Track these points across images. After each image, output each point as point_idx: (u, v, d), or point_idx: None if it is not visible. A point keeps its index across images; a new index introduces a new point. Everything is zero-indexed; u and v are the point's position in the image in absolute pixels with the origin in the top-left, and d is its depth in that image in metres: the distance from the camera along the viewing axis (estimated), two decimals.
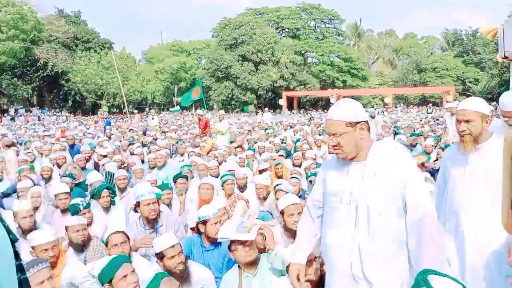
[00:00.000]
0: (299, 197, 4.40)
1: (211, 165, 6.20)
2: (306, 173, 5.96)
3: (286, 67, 43.85)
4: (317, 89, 44.71)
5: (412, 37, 59.25)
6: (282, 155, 7.53)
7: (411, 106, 39.67)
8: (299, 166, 6.73)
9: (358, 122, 1.99)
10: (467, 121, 2.46)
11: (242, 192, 5.39)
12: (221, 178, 5.20)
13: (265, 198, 4.94)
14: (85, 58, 40.82)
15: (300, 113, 34.71)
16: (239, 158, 7.51)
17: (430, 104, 33.58)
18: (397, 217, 1.98)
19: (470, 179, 2.50)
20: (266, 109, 26.39)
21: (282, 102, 38.91)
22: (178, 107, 21.91)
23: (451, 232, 2.58)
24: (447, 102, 17.80)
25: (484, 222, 2.43)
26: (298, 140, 10.05)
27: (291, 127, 14.11)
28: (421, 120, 18.07)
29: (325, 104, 43.19)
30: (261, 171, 6.36)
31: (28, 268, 2.35)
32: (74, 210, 4.04)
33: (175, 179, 5.22)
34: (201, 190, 4.63)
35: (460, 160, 2.57)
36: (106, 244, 3.07)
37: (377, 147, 2.03)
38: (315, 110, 38.81)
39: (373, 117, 12.41)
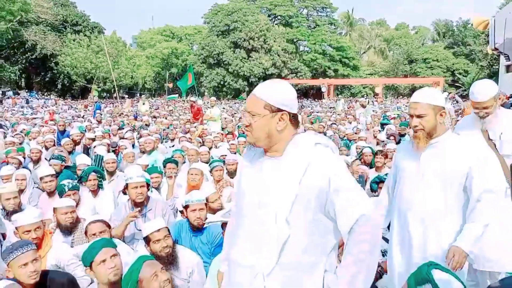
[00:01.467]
0: None
1: (201, 151, 6.19)
2: None
3: (278, 55, 43.64)
4: (309, 78, 44.67)
5: (403, 28, 59.29)
6: None
7: (401, 96, 39.89)
8: None
9: (280, 110, 1.64)
10: (419, 116, 2.27)
11: (233, 178, 5.40)
12: (209, 164, 5.20)
13: None
14: (75, 42, 40.08)
15: None
16: (231, 144, 7.51)
17: None
18: (314, 228, 1.61)
19: (421, 177, 2.33)
20: None
21: None
22: (176, 95, 21.67)
23: (398, 231, 2.44)
24: None
25: (433, 223, 2.28)
26: None
27: None
28: None
29: (316, 93, 43.23)
30: None
31: (13, 250, 2.33)
32: (60, 191, 4.03)
33: (164, 163, 5.20)
34: (189, 175, 4.63)
35: (412, 156, 2.40)
36: (86, 233, 3.05)
37: (296, 142, 1.66)
38: (306, 99, 38.81)
39: (364, 107, 12.48)
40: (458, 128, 3.09)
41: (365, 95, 38.18)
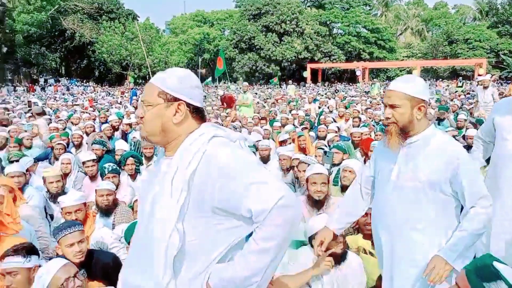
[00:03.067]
0: None
1: None
2: (329, 145, 5.93)
3: (311, 38, 42.84)
4: (343, 61, 43.68)
5: (443, 7, 56.48)
6: (306, 128, 7.50)
7: (441, 79, 38.32)
8: (324, 138, 6.69)
9: (176, 99, 1.42)
10: (392, 106, 1.95)
11: (266, 163, 5.43)
12: None
13: (288, 170, 4.96)
14: (110, 29, 41.04)
15: (324, 85, 34.14)
16: (264, 129, 7.52)
17: (461, 78, 32.32)
18: (212, 231, 1.39)
19: (394, 183, 2.02)
20: (290, 81, 26.07)
21: (307, 74, 38.32)
22: (209, 79, 21.78)
23: (376, 242, 2.22)
24: (479, 75, 17.07)
25: (405, 236, 1.99)
26: (321, 113, 9.95)
27: (315, 100, 13.93)
28: (450, 94, 17.49)
29: (351, 77, 42.28)
30: (281, 143, 6.38)
31: (62, 229, 2.46)
32: (101, 173, 4.22)
33: None
34: None
35: (387, 157, 2.07)
36: (132, 208, 3.18)
37: (192, 138, 1.41)
38: (340, 83, 38.07)
39: None
40: (495, 110, 2.97)
41: None
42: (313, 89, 26.17)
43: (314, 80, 39.18)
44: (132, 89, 20.14)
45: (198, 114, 1.49)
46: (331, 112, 11.02)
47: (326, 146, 5.83)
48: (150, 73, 21.17)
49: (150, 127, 1.45)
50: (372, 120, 8.80)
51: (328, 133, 6.82)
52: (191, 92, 1.46)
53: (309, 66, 39.39)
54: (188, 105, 1.45)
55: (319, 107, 12.21)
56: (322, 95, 17.99)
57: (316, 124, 8.56)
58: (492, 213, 1.96)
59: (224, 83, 28.91)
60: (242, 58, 43.93)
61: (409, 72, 42.72)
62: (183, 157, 1.38)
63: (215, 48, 49.62)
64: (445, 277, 1.87)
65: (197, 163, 1.35)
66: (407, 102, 1.93)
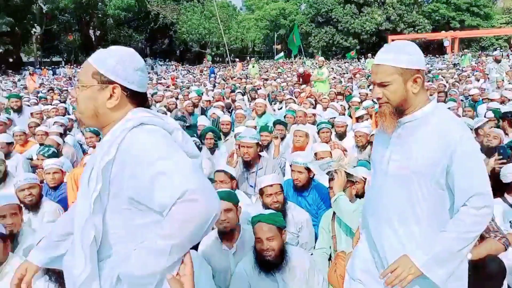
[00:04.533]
0: None
1: (308, 112, 6.22)
2: None
3: (393, 8, 40.15)
4: (429, 32, 40.39)
5: None
6: None
7: None
8: None
9: (112, 82, 1.31)
10: (381, 85, 1.64)
11: (341, 140, 5.35)
12: (317, 125, 5.22)
13: (364, 147, 4.84)
14: (190, 9, 42.46)
15: None
16: (340, 105, 7.37)
17: None
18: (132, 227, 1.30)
19: (385, 171, 1.74)
20: (370, 55, 24.88)
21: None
22: (282, 54, 21.70)
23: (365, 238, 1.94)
24: None
25: (393, 232, 1.71)
26: None
27: None
28: None
29: (438, 48, 39.04)
30: (357, 119, 6.21)
31: None
32: None
33: (274, 123, 5.37)
34: (295, 137, 4.72)
35: (382, 141, 1.78)
36: (212, 180, 3.38)
37: (119, 125, 1.30)
38: (425, 55, 35.37)
39: (498, 62, 10.86)
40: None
41: (499, 48, 33.23)
42: None
43: None
44: (210, 67, 20.82)
45: (138, 99, 1.37)
46: None
47: None
48: (227, 51, 21.68)
49: (83, 109, 1.36)
50: (461, 95, 8.13)
51: None
52: (131, 75, 1.34)
53: (391, 38, 37.08)
54: (126, 89, 1.34)
55: None
56: None
57: None
58: (489, 215, 1.60)
59: (300, 58, 28.51)
60: (318, 32, 42.79)
61: (507, 41, 38.25)
62: (103, 145, 1.29)
63: (291, 23, 48.96)
64: (407, 282, 1.57)
65: (115, 151, 1.25)
66: (398, 76, 1.61)
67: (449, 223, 1.62)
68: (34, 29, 37.43)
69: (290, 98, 8.33)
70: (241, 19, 48.06)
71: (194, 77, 19.50)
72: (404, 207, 1.67)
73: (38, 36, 37.76)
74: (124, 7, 38.01)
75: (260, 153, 4.08)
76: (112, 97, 1.32)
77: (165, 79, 18.21)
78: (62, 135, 5.38)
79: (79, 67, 33.41)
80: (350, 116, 6.89)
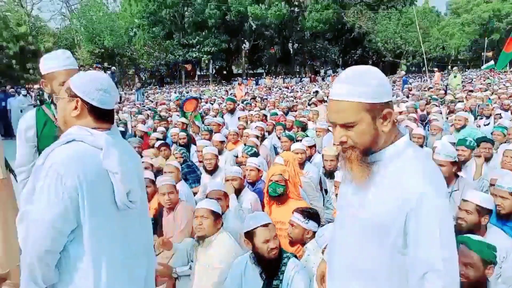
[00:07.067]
0: None
1: None
2: None
3: None
4: None
5: None
6: None
7: None
8: None
9: (76, 96, 1.63)
10: (344, 126, 1.30)
11: None
12: None
13: None
14: (386, 17, 41.35)
15: None
16: None
17: None
18: None
19: (342, 217, 1.46)
20: None
21: None
22: (491, 62, 18.82)
23: None
24: None
25: None
26: None
27: None
28: None
29: None
30: None
31: None
32: None
33: (478, 141, 4.77)
34: (505, 158, 4.10)
35: (347, 187, 1.44)
36: None
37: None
38: None
39: None
40: None
41: None
42: None
43: None
44: (403, 77, 19.81)
45: (99, 114, 1.62)
46: None
47: None
48: (425, 59, 20.19)
49: (58, 117, 1.71)
50: None
51: None
52: (93, 93, 1.59)
53: None
54: (87, 103, 1.60)
55: None
56: None
57: None
58: None
59: None
60: None
61: None
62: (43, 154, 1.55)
63: (508, 26, 41.98)
64: None
65: (42, 161, 1.50)
66: (365, 114, 1.27)
67: None
68: (244, 45, 43.17)
69: (498, 114, 7.21)
70: (444, 24, 43.93)
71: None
72: (356, 258, 1.37)
73: (247, 51, 43.34)
74: (322, 20, 39.89)
75: (457, 173, 3.70)
76: (76, 109, 1.60)
77: None
78: (258, 138, 6.11)
79: (277, 78, 36.81)
80: None
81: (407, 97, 12.21)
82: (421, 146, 5.28)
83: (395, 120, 1.34)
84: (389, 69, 42.90)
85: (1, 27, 26.93)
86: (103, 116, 1.64)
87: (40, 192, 1.45)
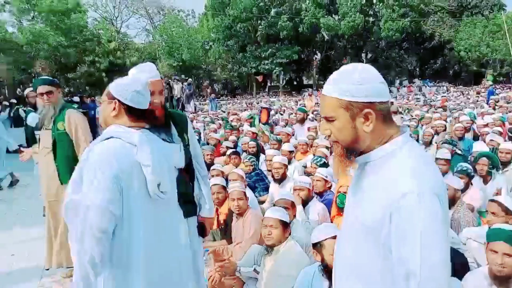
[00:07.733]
0: None
1: None
2: None
3: None
4: None
5: None
6: None
7: None
8: None
9: (114, 98, 1.90)
10: (327, 119, 1.29)
11: None
12: None
13: None
14: (470, 24, 38.60)
15: None
16: None
17: None
18: None
19: (345, 219, 1.43)
20: None
21: None
22: None
23: None
24: None
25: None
26: None
27: None
28: None
29: None
30: None
31: None
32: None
33: None
34: None
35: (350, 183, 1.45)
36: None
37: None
38: None
39: None
40: None
41: None
42: None
43: None
44: (488, 88, 18.29)
45: (134, 114, 1.85)
46: None
47: None
48: None
49: (100, 117, 1.93)
50: None
51: None
52: (129, 95, 1.83)
53: None
54: (123, 104, 1.82)
55: None
56: None
57: None
58: None
59: None
60: None
61: None
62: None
63: None
64: None
65: (86, 156, 1.72)
66: (343, 112, 1.24)
67: None
68: (315, 56, 42.99)
69: None
70: None
71: (468, 99, 17.60)
72: (353, 260, 1.34)
73: (318, 62, 43.07)
74: (399, 29, 38.42)
75: None
76: (114, 109, 1.84)
77: (433, 100, 17.26)
78: (328, 148, 6.03)
79: None
80: None
81: (493, 109, 11.26)
82: (509, 162, 4.84)
83: (385, 122, 1.27)
84: (473, 79, 39.89)
85: (94, 44, 29.82)
86: (138, 116, 1.88)
87: (89, 182, 1.65)
